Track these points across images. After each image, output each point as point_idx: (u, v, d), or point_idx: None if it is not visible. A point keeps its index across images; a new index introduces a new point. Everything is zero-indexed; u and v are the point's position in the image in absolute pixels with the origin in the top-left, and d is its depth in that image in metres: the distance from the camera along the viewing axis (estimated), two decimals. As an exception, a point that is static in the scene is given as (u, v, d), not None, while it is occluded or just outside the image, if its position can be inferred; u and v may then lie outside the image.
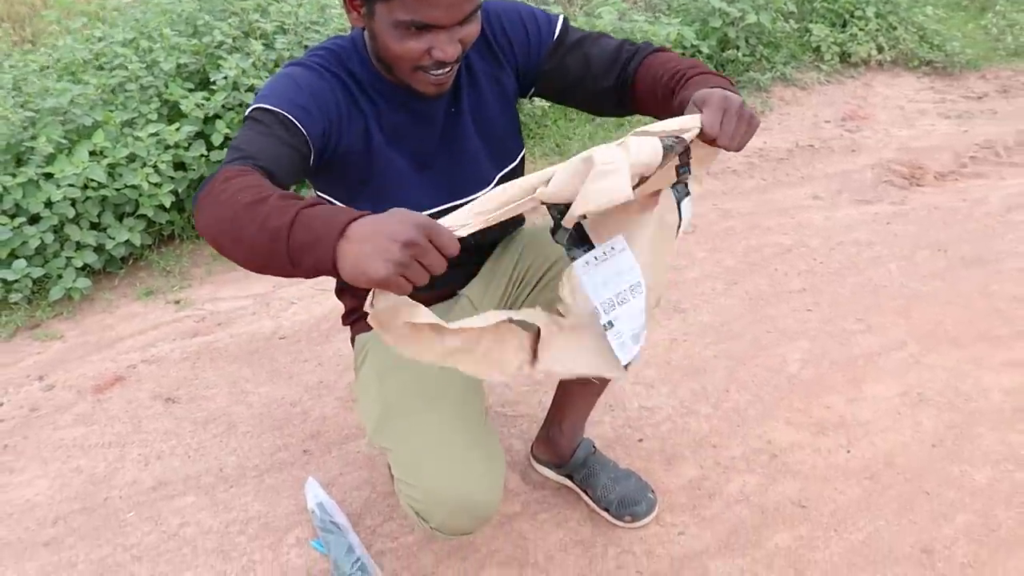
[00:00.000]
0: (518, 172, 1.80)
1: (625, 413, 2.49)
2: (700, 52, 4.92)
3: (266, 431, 2.46)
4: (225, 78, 3.45)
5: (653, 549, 2.07)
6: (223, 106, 3.46)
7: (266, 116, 1.44)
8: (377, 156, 1.61)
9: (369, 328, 1.84)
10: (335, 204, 1.62)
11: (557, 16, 1.70)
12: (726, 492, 2.23)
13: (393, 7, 1.38)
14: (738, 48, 5.10)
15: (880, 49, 5.44)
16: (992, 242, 3.47)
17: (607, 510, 2.13)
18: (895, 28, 5.55)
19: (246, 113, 1.48)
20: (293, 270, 1.18)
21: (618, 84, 1.66)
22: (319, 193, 1.70)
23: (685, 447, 2.36)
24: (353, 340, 1.91)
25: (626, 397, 2.55)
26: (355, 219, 1.12)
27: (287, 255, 1.15)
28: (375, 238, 1.09)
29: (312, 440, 2.42)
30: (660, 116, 1.51)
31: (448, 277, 1.85)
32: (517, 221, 1.95)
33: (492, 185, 1.74)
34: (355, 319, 1.91)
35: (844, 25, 5.59)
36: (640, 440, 2.39)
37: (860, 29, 5.47)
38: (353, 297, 1.90)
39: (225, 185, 1.25)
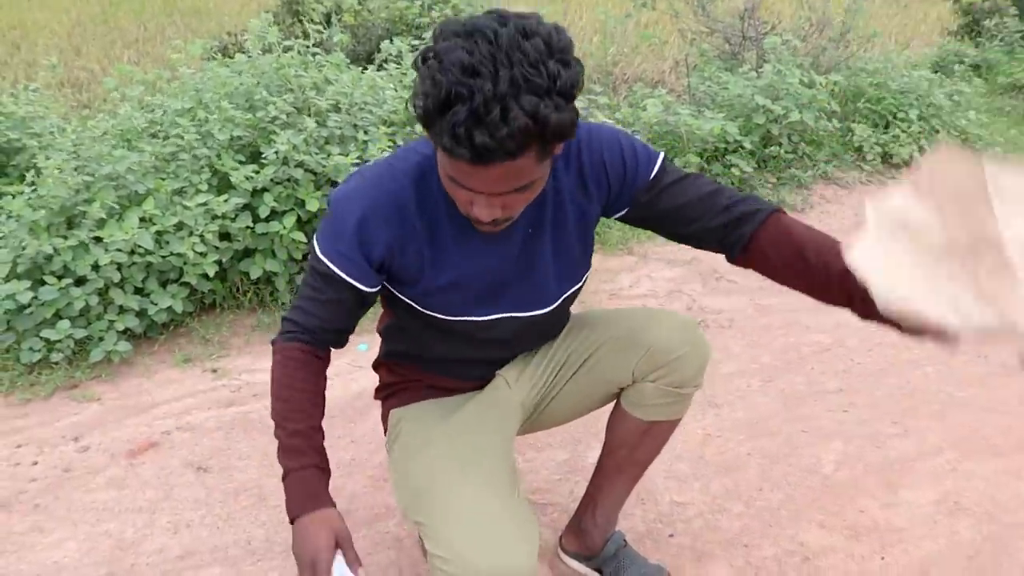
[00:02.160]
0: (579, 292, 1.82)
1: (657, 507, 2.47)
2: (743, 147, 4.98)
3: (295, 505, 2.46)
4: (276, 153, 3.53)
5: (680, 649, 2.04)
6: (272, 180, 3.53)
7: (322, 274, 1.57)
8: (439, 275, 1.61)
9: (402, 403, 1.87)
10: (407, 304, 1.70)
11: (658, 154, 1.65)
12: (756, 594, 2.19)
13: (441, 155, 1.36)
14: (780, 145, 5.15)
15: (922, 151, 5.47)
16: (1033, 351, 3.43)
17: (635, 606, 2.10)
18: (937, 131, 5.59)
19: (312, 244, 1.58)
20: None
21: (726, 231, 1.64)
22: (392, 290, 1.70)
23: (716, 545, 2.33)
24: (385, 416, 1.92)
25: (658, 491, 2.53)
26: (297, 517, 1.54)
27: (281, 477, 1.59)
28: (295, 543, 1.53)
29: (346, 516, 2.40)
30: (794, 284, 1.65)
31: (484, 370, 1.89)
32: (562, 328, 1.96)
33: (556, 305, 1.75)
34: (388, 394, 1.92)
35: (887, 126, 5.64)
36: (671, 535, 2.37)
37: (903, 131, 5.52)
38: (389, 371, 1.91)
39: (281, 368, 1.62)
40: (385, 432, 1.92)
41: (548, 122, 1.23)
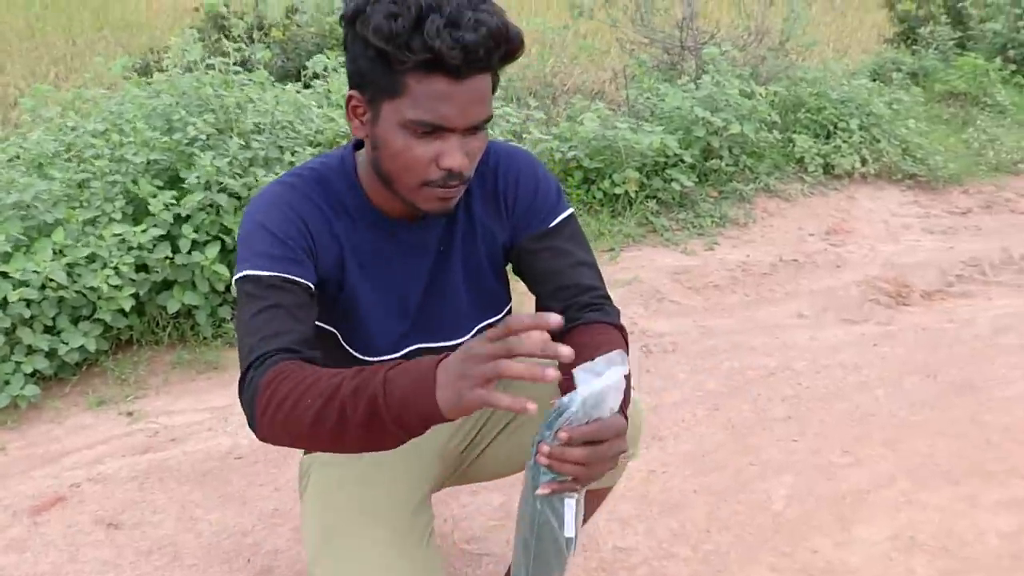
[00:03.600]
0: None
1: (599, 554, 2.33)
2: (683, 161, 4.88)
3: (213, 564, 2.28)
4: (197, 177, 3.34)
5: None
6: (195, 206, 3.32)
7: (260, 286, 1.37)
8: (352, 287, 1.51)
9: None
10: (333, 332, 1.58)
11: (567, 207, 1.60)
12: (706, 649, 2.06)
13: (402, 105, 1.29)
14: (721, 158, 5.06)
15: (864, 161, 5.42)
16: (982, 367, 3.36)
17: (578, 668, 1.96)
18: (878, 141, 5.54)
19: (236, 281, 1.41)
20: (401, 435, 1.16)
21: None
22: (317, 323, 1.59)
23: (662, 595, 2.20)
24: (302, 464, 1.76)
25: (600, 535, 2.38)
26: (439, 363, 1.12)
27: (391, 420, 1.13)
28: (460, 369, 1.07)
29: (264, 575, 2.24)
30: None
31: None
32: None
33: (470, 335, 1.63)
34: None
35: (828, 137, 5.58)
36: (614, 585, 2.23)
37: (844, 141, 5.46)
38: None
39: (275, 396, 1.23)
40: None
41: (511, 28, 1.29)
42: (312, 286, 1.41)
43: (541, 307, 1.60)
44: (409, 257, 1.53)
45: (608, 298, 1.60)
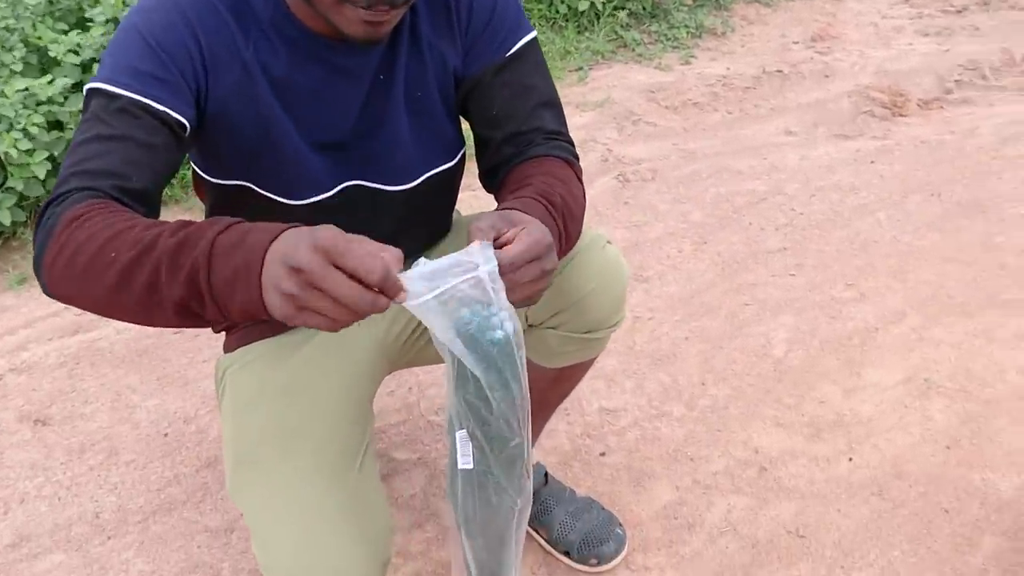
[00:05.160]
0: (455, 176, 1.38)
1: (584, 418, 2.09)
2: (655, -33, 4.43)
3: (154, 459, 2.02)
4: (103, 13, 2.91)
5: (623, 603, 1.69)
6: (103, 47, 2.92)
7: (110, 108, 1.03)
8: (264, 118, 1.17)
9: (234, 347, 1.41)
10: (215, 183, 1.26)
11: (529, 29, 1.29)
12: (708, 521, 1.84)
13: None
14: (696, -40, 4.61)
15: (850, -40, 4.98)
16: (989, 183, 3.08)
17: (567, 553, 1.73)
18: (865, -64, 5.08)
19: (85, 91, 1.06)
20: (221, 316, 0.88)
21: (502, 168, 1.29)
22: (198, 170, 1.27)
23: (656, 461, 1.97)
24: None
25: (583, 396, 2.14)
26: (277, 235, 0.84)
27: (212, 302, 0.87)
28: (272, 261, 0.82)
29: (209, 469, 1.98)
30: None
31: None
32: (443, 230, 1.50)
33: (419, 181, 1.31)
34: (227, 324, 1.44)
35: (810, -68, 5.11)
36: (602, 454, 1.99)
37: (828, -63, 5.00)
38: None
39: (73, 239, 0.93)
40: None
41: None
42: (182, 122, 1.07)
43: (489, 153, 1.31)
44: (339, 84, 1.20)
45: (569, 142, 1.30)
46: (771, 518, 1.84)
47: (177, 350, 2.33)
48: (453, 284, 0.87)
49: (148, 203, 1.04)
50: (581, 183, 1.25)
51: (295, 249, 0.79)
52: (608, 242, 1.40)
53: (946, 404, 2.12)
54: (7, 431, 2.11)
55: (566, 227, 1.12)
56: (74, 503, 1.91)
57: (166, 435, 2.07)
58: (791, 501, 1.88)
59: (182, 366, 2.29)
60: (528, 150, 1.26)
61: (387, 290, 0.81)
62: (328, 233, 0.80)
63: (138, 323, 0.95)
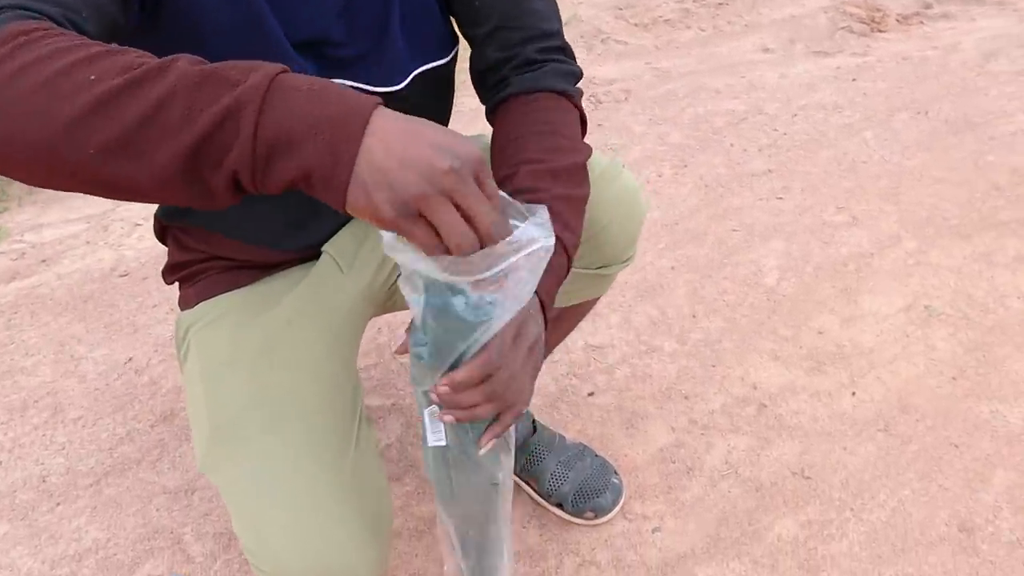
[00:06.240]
0: (448, 76, 1.20)
1: (569, 355, 1.95)
2: None
3: (104, 415, 1.84)
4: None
5: (623, 556, 1.56)
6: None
7: None
8: (248, 13, 0.93)
9: (193, 302, 1.22)
10: None
11: None
12: (708, 464, 1.72)
13: None
14: None
15: None
16: (975, 99, 2.96)
17: (560, 506, 1.60)
18: None
19: None
20: (237, 193, 0.68)
21: (490, 76, 1.14)
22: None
23: (649, 401, 1.84)
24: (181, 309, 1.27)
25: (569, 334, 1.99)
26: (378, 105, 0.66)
27: (248, 155, 0.64)
28: (411, 144, 0.65)
29: (164, 424, 1.81)
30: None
31: (305, 231, 1.25)
32: None
33: (408, 80, 1.11)
34: (181, 276, 1.26)
35: None
36: (591, 394, 1.86)
37: None
38: (177, 244, 1.24)
39: (31, 50, 0.65)
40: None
41: None
42: None
43: (475, 55, 1.14)
44: None
45: (563, 48, 1.13)
46: (774, 459, 1.72)
47: (124, 294, 2.15)
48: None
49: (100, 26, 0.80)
50: (583, 120, 1.11)
51: (458, 143, 0.66)
52: (623, 166, 1.24)
53: (949, 332, 2.01)
54: (-59, 388, 1.93)
55: (566, 246, 0.97)
56: (17, 467, 1.74)
57: (115, 387, 1.90)
58: (794, 440, 1.76)
59: (131, 312, 2.10)
60: (516, 75, 1.09)
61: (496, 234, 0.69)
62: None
63: (93, 181, 0.66)
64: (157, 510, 1.63)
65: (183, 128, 0.63)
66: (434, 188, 0.64)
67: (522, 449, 1.62)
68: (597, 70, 3.20)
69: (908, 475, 1.69)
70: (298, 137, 0.64)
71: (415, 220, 0.66)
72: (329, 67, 1.04)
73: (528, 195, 0.96)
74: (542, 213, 0.74)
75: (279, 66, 0.66)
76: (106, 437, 1.79)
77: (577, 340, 1.98)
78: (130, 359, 1.96)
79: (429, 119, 1.22)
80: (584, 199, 1.04)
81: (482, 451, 0.88)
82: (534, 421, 1.66)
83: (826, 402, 1.84)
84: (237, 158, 0.64)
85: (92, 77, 0.63)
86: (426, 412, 0.86)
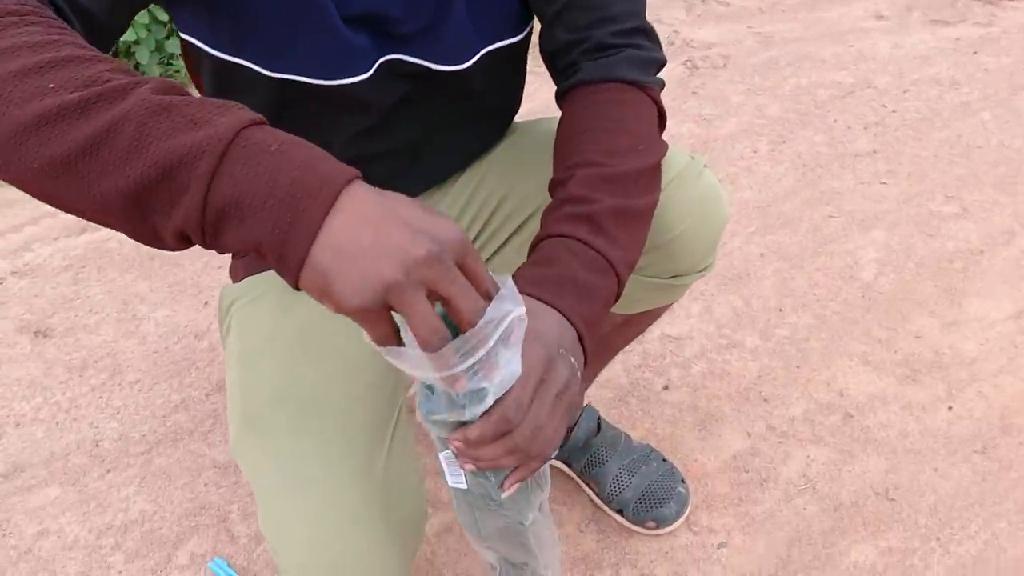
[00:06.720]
0: (519, 58, 1.11)
1: (643, 346, 1.84)
2: None
3: (160, 379, 1.81)
4: None
5: (684, 572, 1.46)
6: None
7: None
8: None
9: (242, 274, 1.16)
10: (220, 59, 0.93)
11: None
12: (784, 476, 1.60)
13: None
14: None
15: None
16: (1110, 79, 2.73)
17: (621, 512, 1.51)
18: None
19: None
20: (182, 242, 0.61)
21: (559, 59, 1.03)
22: (195, 41, 0.94)
23: (725, 401, 1.73)
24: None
25: (645, 321, 1.89)
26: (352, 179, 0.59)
27: (194, 210, 0.57)
28: (383, 225, 0.57)
29: (220, 393, 1.77)
30: None
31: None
32: (499, 130, 1.23)
33: (475, 59, 1.02)
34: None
35: None
36: (665, 388, 1.75)
37: None
38: None
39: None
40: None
41: None
42: None
43: (544, 33, 1.03)
44: None
45: (644, 31, 1.01)
46: (856, 476, 1.60)
47: (190, 253, 2.11)
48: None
49: (102, 41, 0.75)
50: (661, 115, 0.99)
51: (438, 225, 0.59)
52: (704, 166, 1.13)
53: (1062, 344, 1.84)
54: (6, 343, 1.92)
55: (613, 264, 0.85)
56: (72, 428, 1.72)
57: (174, 351, 1.87)
58: (880, 456, 1.63)
59: (195, 272, 2.07)
60: (587, 60, 0.99)
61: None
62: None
63: (39, 195, 0.61)
64: (205, 485, 1.60)
65: (129, 159, 0.56)
66: (409, 278, 0.57)
67: (584, 449, 1.54)
68: (696, 32, 3.04)
69: (1006, 505, 1.55)
70: (251, 204, 0.56)
71: (379, 313, 0.58)
72: (386, 43, 0.96)
73: (578, 206, 0.86)
74: (507, 283, 0.65)
75: (254, 115, 0.59)
76: (160, 404, 1.76)
77: (654, 329, 1.87)
78: (191, 323, 1.93)
79: (496, 102, 1.11)
80: (647, 209, 0.93)
81: (505, 494, 0.79)
82: (599, 419, 1.57)
83: (919, 416, 1.70)
84: (184, 217, 0.57)
85: (51, 85, 0.58)
86: (442, 456, 0.78)
